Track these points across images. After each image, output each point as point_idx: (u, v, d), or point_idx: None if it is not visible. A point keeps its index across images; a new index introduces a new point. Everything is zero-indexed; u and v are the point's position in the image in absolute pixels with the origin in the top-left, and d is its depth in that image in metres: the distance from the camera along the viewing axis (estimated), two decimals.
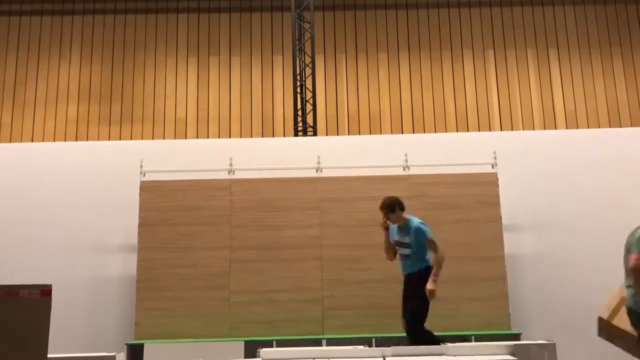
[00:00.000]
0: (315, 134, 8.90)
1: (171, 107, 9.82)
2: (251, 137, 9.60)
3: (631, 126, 9.52)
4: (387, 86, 9.90)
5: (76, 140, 9.56)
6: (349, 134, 9.58)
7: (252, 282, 6.78)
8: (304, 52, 9.32)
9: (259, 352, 5.66)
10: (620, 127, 9.50)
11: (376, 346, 6.06)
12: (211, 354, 6.39)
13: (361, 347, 5.74)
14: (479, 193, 6.96)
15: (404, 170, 7.05)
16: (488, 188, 6.96)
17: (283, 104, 9.78)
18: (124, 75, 9.90)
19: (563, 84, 9.87)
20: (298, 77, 9.16)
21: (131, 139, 9.51)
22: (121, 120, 9.72)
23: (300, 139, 8.49)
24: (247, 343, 6.36)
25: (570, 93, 9.84)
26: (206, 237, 6.88)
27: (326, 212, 6.94)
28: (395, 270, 6.78)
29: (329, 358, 4.84)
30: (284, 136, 9.47)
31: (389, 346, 5.52)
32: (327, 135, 9.44)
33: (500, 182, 6.98)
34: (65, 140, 9.54)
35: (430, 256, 5.56)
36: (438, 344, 5.27)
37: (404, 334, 5.69)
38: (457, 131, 9.55)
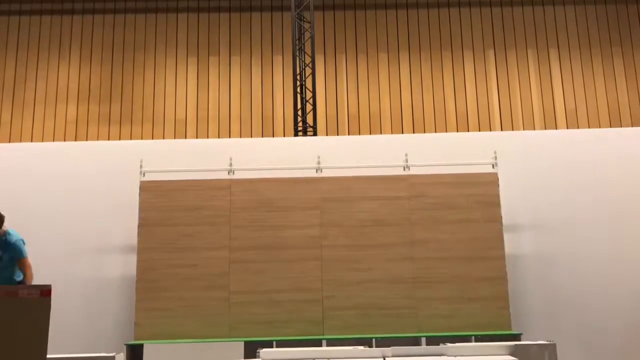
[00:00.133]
0: (315, 134, 8.89)
1: (171, 107, 9.81)
2: (251, 137, 9.59)
3: (632, 126, 9.51)
4: (387, 86, 9.89)
5: (76, 140, 9.55)
6: (349, 134, 9.57)
7: (252, 282, 6.76)
8: (304, 52, 9.31)
9: (258, 352, 5.64)
10: (621, 126, 9.49)
11: (376, 346, 6.04)
12: (211, 355, 6.37)
13: (361, 347, 5.73)
14: (480, 193, 6.95)
15: (404, 170, 7.04)
16: (488, 188, 6.95)
17: (283, 104, 9.78)
18: (123, 75, 9.89)
19: (563, 84, 9.86)
20: (298, 77, 9.15)
21: (131, 139, 9.50)
22: (121, 120, 9.71)
23: (300, 139, 8.48)
24: (246, 343, 6.35)
25: (570, 93, 9.83)
26: (206, 237, 6.87)
27: (326, 212, 6.93)
28: (396, 271, 6.79)
29: (329, 358, 4.83)
30: (284, 136, 9.46)
31: (389, 346, 5.51)
32: (327, 135, 9.43)
33: (500, 182, 6.97)
34: (64, 140, 9.53)
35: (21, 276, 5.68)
36: None
37: (405, 334, 5.68)
38: (457, 131, 9.54)
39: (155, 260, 6.76)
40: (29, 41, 10.01)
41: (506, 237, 6.90)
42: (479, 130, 9.57)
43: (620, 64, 9.91)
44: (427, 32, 10.13)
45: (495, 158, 7.08)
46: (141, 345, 6.29)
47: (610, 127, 9.55)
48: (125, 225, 7.01)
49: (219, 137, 9.56)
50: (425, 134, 9.34)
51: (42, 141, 9.49)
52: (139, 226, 6.84)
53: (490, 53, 10.01)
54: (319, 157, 7.17)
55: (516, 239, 7.19)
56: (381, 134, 9.55)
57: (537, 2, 10.20)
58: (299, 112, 9.07)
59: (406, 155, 7.12)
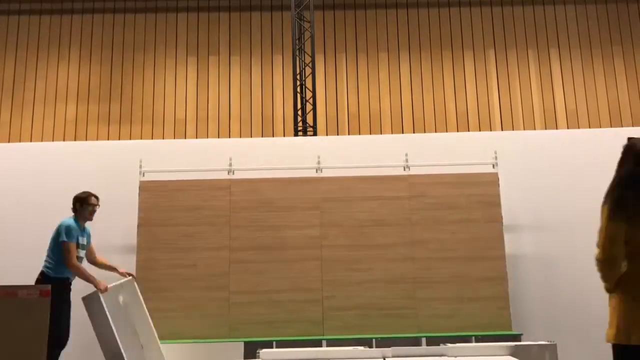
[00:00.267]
0: (315, 134, 8.88)
1: (170, 106, 9.80)
2: (251, 137, 9.58)
3: (632, 125, 9.50)
4: (388, 86, 9.88)
5: (75, 140, 9.53)
6: (349, 134, 9.56)
7: (251, 282, 6.75)
8: (304, 52, 9.30)
9: (258, 352, 5.64)
10: (622, 126, 9.48)
11: (376, 347, 6.03)
12: (211, 355, 6.36)
13: (361, 348, 5.72)
14: (480, 193, 6.94)
15: (404, 170, 7.02)
16: (489, 188, 6.94)
17: (283, 104, 9.76)
18: (123, 74, 9.88)
19: (564, 84, 9.85)
20: (298, 77, 9.14)
21: (130, 139, 9.49)
22: (120, 120, 9.70)
23: (300, 139, 8.46)
24: (246, 344, 6.34)
25: (571, 92, 9.82)
26: (206, 237, 6.86)
27: (326, 212, 6.92)
28: (396, 271, 6.78)
29: (329, 359, 4.82)
30: (284, 136, 9.45)
31: (389, 347, 5.50)
32: (327, 135, 9.42)
33: (501, 182, 6.95)
34: (64, 140, 9.52)
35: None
36: None
37: (405, 335, 5.68)
38: (457, 131, 9.53)
39: (155, 260, 6.75)
40: (28, 41, 9.99)
41: (506, 237, 6.89)
42: (479, 130, 9.56)
43: (620, 63, 9.90)
44: (428, 31, 10.11)
45: (496, 158, 7.07)
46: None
47: (611, 126, 9.54)
48: (124, 225, 6.99)
49: (218, 137, 9.55)
50: (425, 133, 9.33)
51: (42, 141, 9.48)
52: (138, 226, 6.83)
53: (491, 52, 10.00)
54: (319, 157, 7.15)
55: (516, 239, 7.17)
56: (381, 133, 9.53)
57: (538, 2, 10.19)
58: (299, 112, 9.06)
59: (406, 155, 7.10)
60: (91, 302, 5.55)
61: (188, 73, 9.93)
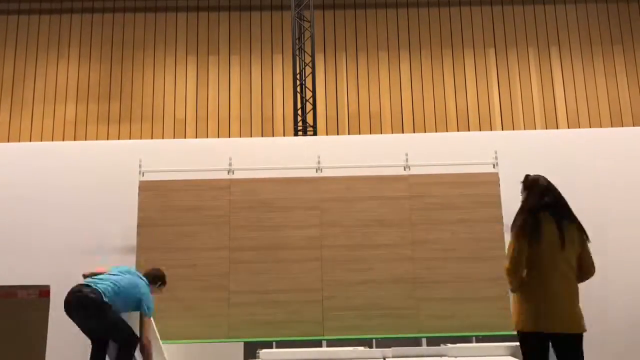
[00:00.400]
0: (315, 134, 8.87)
1: (170, 106, 9.78)
2: (251, 136, 9.56)
3: (633, 125, 9.49)
4: (388, 85, 9.87)
5: (74, 139, 9.52)
6: (349, 134, 9.55)
7: (251, 282, 6.74)
8: (304, 51, 9.28)
9: (258, 353, 5.63)
10: (622, 126, 9.47)
11: (376, 347, 6.03)
12: (210, 355, 6.35)
13: (361, 348, 5.72)
14: (480, 193, 6.92)
15: (404, 170, 7.01)
16: (489, 188, 6.93)
17: (283, 103, 9.75)
18: (122, 74, 9.86)
19: (565, 83, 9.84)
20: (298, 76, 9.12)
21: (130, 139, 9.47)
22: (120, 120, 9.69)
23: (300, 139, 8.45)
24: (246, 344, 6.33)
25: (571, 92, 9.80)
26: (205, 237, 6.84)
27: (326, 212, 6.90)
28: (396, 271, 6.76)
29: (329, 359, 4.81)
30: (284, 136, 9.43)
31: (390, 347, 5.50)
32: (327, 135, 9.40)
33: (501, 182, 6.94)
34: (63, 140, 9.50)
35: None
36: None
37: (405, 335, 5.66)
38: (457, 130, 9.51)
39: (155, 260, 6.72)
40: (27, 40, 9.98)
41: (507, 237, 6.86)
42: (480, 129, 9.54)
43: (621, 62, 9.89)
44: (428, 30, 10.10)
45: (496, 158, 7.06)
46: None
47: (611, 125, 9.53)
48: (124, 225, 6.97)
49: (218, 137, 9.53)
50: (425, 133, 9.31)
51: (41, 140, 9.47)
52: (138, 226, 6.82)
53: (491, 51, 9.98)
54: (319, 157, 7.14)
55: None
56: (381, 133, 9.52)
57: (538, 1, 10.17)
58: (299, 112, 9.04)
59: (406, 155, 7.09)
60: None
61: (188, 72, 9.92)
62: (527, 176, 4.27)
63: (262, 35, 10.07)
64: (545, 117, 9.68)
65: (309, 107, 9.04)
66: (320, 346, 6.34)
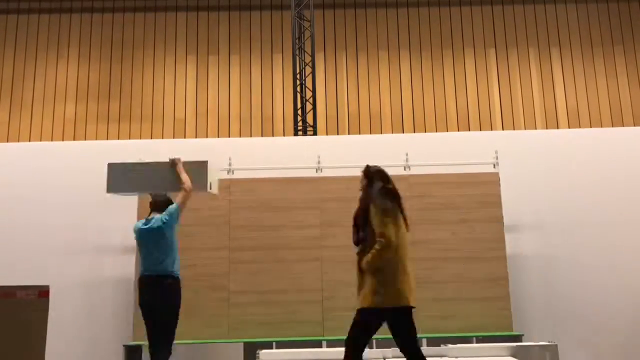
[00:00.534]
0: (315, 134, 8.85)
1: (170, 106, 9.77)
2: (251, 136, 9.55)
3: (634, 125, 9.48)
4: (388, 85, 9.85)
5: (74, 139, 9.50)
6: (349, 134, 9.53)
7: (251, 282, 6.73)
8: (304, 51, 9.27)
9: (258, 353, 5.62)
10: (623, 125, 9.46)
11: (377, 347, 6.01)
12: (210, 355, 6.34)
13: None
14: (481, 193, 6.92)
15: (404, 170, 7.00)
16: (489, 188, 6.92)
17: (283, 103, 9.73)
18: (122, 73, 9.85)
19: (565, 83, 9.82)
20: (298, 76, 9.11)
21: (130, 138, 9.46)
22: (119, 119, 9.67)
23: (300, 139, 8.44)
24: (246, 344, 6.32)
25: (572, 92, 9.79)
26: (205, 237, 6.83)
27: (326, 212, 6.90)
28: None
29: (329, 359, 4.80)
30: (284, 135, 9.42)
31: (390, 347, 5.48)
32: (327, 134, 9.39)
33: (501, 182, 6.93)
34: (63, 140, 9.49)
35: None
36: None
37: None
38: (458, 130, 9.50)
39: None
40: (27, 40, 9.96)
41: (507, 237, 6.87)
42: (480, 129, 9.53)
43: (622, 62, 9.87)
44: (428, 30, 10.09)
45: (497, 158, 7.05)
46: (139, 346, 6.25)
47: (612, 125, 9.52)
48: (123, 225, 6.96)
49: (218, 137, 9.52)
50: (425, 133, 9.30)
51: (41, 140, 9.46)
52: None
53: (492, 51, 9.97)
54: (319, 157, 7.13)
55: (517, 239, 7.15)
56: (381, 133, 9.51)
57: (538, 0, 10.16)
58: (299, 112, 9.03)
59: (407, 154, 7.08)
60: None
61: (188, 72, 9.90)
62: (368, 166, 4.50)
63: (262, 35, 10.05)
64: (546, 117, 9.67)
65: (309, 106, 9.03)
66: (320, 346, 6.33)
